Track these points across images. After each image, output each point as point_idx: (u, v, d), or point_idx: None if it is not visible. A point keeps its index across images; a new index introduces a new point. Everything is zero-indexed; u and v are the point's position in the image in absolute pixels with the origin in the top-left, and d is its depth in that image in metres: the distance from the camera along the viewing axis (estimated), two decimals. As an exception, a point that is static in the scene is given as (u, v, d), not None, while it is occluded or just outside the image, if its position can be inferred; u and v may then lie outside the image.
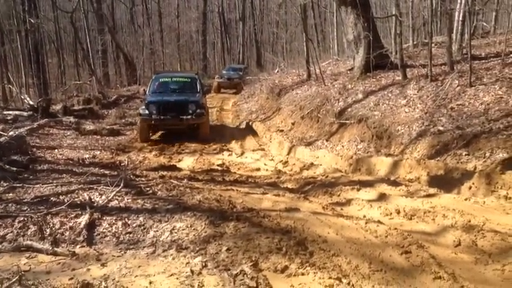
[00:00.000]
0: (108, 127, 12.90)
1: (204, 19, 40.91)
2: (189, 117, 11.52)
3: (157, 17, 39.46)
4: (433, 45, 10.31)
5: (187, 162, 9.07)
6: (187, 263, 3.57)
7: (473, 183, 5.67)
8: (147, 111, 11.54)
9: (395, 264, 3.58)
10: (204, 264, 3.52)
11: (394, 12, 12.22)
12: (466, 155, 6.39)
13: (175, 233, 4.20)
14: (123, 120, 15.04)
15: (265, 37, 46.56)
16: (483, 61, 10.21)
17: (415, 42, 15.79)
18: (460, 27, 11.15)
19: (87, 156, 8.95)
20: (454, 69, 9.46)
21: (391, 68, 11.28)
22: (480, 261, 3.66)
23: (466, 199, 5.22)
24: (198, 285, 3.20)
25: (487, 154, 6.10)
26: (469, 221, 4.35)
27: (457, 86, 8.53)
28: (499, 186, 5.36)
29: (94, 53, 27.80)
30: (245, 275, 3.33)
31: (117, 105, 18.21)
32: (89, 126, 12.71)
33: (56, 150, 9.43)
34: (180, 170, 8.18)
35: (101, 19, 29.57)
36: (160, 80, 13.40)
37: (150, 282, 3.28)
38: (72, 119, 13.24)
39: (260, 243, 3.86)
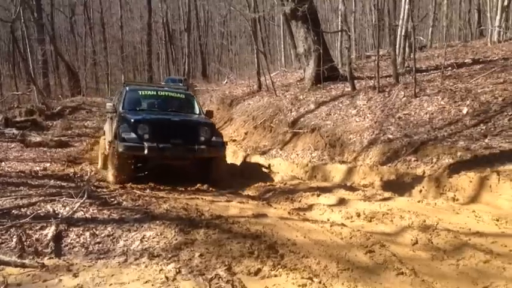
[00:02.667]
0: (55, 139, 12.47)
1: (149, 30, 40.56)
2: (203, 147, 7.54)
3: (100, 27, 38.73)
4: (373, 58, 10.83)
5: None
6: (160, 270, 3.57)
7: (423, 187, 6.07)
8: (133, 135, 7.36)
9: (361, 263, 3.76)
10: (178, 270, 3.54)
11: (340, 27, 12.74)
12: (415, 160, 6.81)
13: (146, 241, 4.19)
14: (70, 132, 14.69)
15: (211, 48, 46.78)
16: (424, 73, 10.89)
17: (358, 55, 16.52)
18: (402, 42, 11.80)
19: (38, 168, 8.64)
20: (399, 81, 10.00)
21: (340, 79, 11.75)
22: (436, 257, 3.90)
23: (419, 201, 5.56)
24: (174, 290, 3.23)
25: (434, 160, 6.55)
26: (424, 221, 4.65)
27: (403, 96, 9.05)
28: (447, 189, 5.78)
29: (34, 63, 26.85)
30: (220, 279, 3.39)
31: (62, 117, 17.72)
32: (34, 138, 12.21)
33: (3, 163, 9.05)
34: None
35: (42, 29, 28.64)
36: (139, 92, 9.10)
37: (126, 290, 3.26)
38: (15, 130, 12.73)
39: (232, 248, 3.94)
